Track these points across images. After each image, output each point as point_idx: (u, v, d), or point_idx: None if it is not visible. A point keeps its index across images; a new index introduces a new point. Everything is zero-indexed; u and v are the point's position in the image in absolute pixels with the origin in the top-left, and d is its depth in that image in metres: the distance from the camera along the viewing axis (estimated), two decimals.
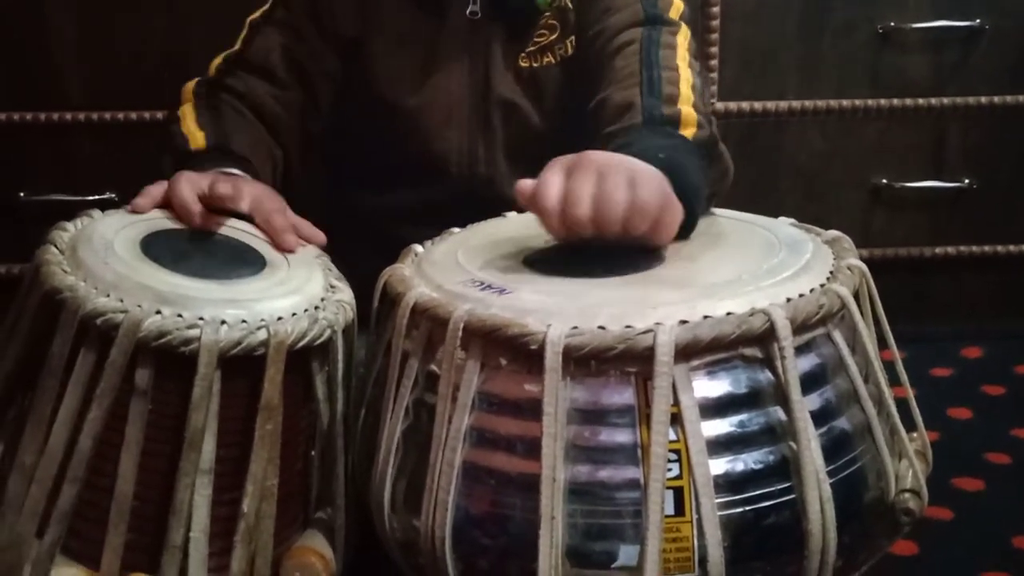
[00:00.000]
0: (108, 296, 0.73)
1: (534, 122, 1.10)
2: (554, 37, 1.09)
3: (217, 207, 0.88)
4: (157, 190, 0.90)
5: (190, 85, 1.08)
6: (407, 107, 1.10)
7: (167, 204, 0.89)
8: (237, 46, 1.11)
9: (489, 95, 1.10)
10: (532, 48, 1.09)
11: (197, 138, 1.00)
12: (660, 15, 1.02)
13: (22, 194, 1.61)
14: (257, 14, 1.13)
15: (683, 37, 1.01)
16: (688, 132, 0.90)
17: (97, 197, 1.59)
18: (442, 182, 1.11)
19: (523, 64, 1.09)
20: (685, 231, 0.82)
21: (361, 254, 0.96)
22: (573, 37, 1.08)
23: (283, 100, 1.09)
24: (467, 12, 1.09)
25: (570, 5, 1.08)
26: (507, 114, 1.10)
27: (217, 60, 1.11)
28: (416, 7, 1.10)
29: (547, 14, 1.08)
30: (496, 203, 1.06)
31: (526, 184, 0.76)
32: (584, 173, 0.74)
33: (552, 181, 0.74)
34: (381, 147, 1.12)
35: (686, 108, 0.92)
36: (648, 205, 0.74)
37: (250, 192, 0.90)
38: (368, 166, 1.14)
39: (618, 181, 0.73)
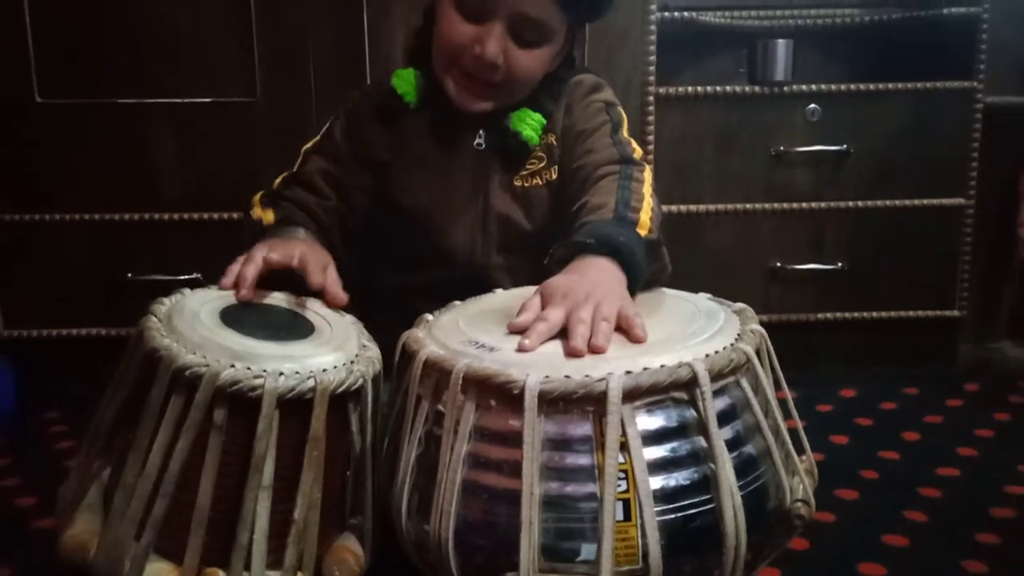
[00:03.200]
0: (194, 354, 0.73)
1: (523, 228, 1.09)
2: (542, 165, 1.09)
3: (277, 265, 0.89)
4: (235, 269, 0.90)
5: (257, 196, 1.08)
6: (424, 213, 1.10)
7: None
8: (294, 168, 1.12)
9: (489, 208, 1.09)
10: (524, 172, 1.09)
11: (267, 217, 1.01)
12: (631, 157, 1.03)
13: (129, 275, 1.61)
14: (309, 144, 1.13)
15: (647, 174, 1.02)
16: (642, 231, 0.91)
17: (187, 277, 1.59)
18: (448, 269, 1.11)
19: (517, 184, 1.09)
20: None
21: (385, 320, 0.96)
22: (556, 166, 1.08)
23: (326, 208, 1.09)
24: (474, 144, 1.09)
25: (555, 144, 1.09)
26: (502, 222, 1.09)
27: (277, 180, 1.11)
28: (433, 139, 1.11)
29: (536, 149, 1.09)
30: (488, 285, 1.06)
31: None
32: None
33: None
34: (403, 242, 1.12)
35: (644, 217, 0.93)
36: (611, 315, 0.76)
37: (300, 251, 0.91)
38: (392, 255, 1.14)
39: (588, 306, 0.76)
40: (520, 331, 0.77)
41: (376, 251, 1.16)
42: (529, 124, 1.07)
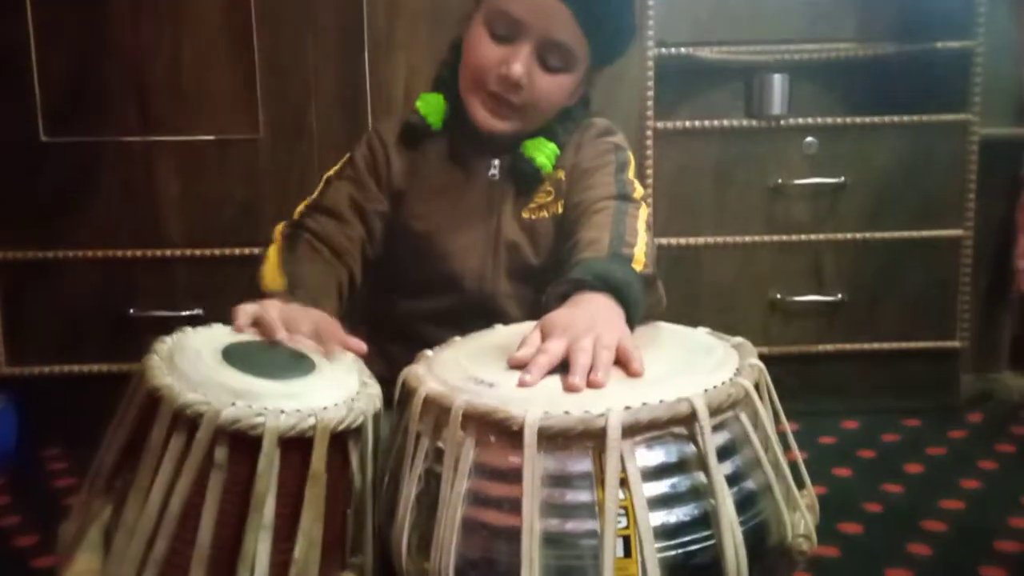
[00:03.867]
0: (195, 392, 0.73)
1: (530, 258, 1.11)
2: (549, 199, 1.11)
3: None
4: (251, 309, 0.90)
5: (280, 227, 1.09)
6: (437, 239, 1.12)
7: (255, 322, 0.89)
8: (315, 195, 1.13)
9: (499, 236, 1.11)
10: (533, 205, 1.11)
11: (278, 283, 1.00)
12: (629, 194, 1.05)
13: (132, 311, 1.62)
14: (332, 171, 1.14)
15: (643, 212, 1.03)
16: (637, 267, 0.92)
17: (189, 313, 1.60)
18: (458, 295, 1.12)
19: (525, 216, 1.11)
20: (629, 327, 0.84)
21: (395, 345, 0.96)
22: (563, 200, 1.11)
23: (348, 234, 1.09)
24: (488, 174, 1.11)
25: (563, 178, 1.11)
26: (511, 251, 1.11)
27: (300, 207, 1.12)
28: (450, 168, 1.13)
29: (546, 181, 1.11)
30: (496, 312, 1.07)
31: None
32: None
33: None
34: (414, 268, 1.13)
35: (639, 252, 0.95)
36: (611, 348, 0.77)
37: (312, 319, 0.91)
38: (403, 282, 1.15)
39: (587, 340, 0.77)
40: (520, 365, 0.77)
41: (387, 277, 1.17)
42: (543, 152, 1.10)
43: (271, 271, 1.01)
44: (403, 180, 1.13)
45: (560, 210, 1.11)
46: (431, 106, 1.13)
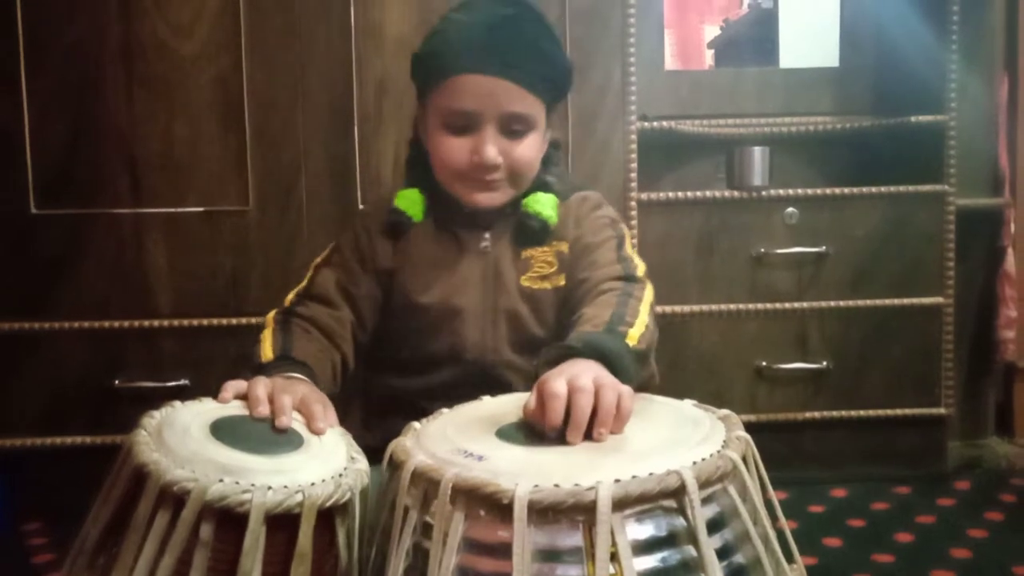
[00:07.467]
0: (183, 468, 0.72)
1: (534, 328, 1.12)
2: (552, 271, 1.12)
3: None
4: (238, 386, 0.90)
5: (271, 314, 1.10)
6: (436, 311, 1.12)
7: (242, 398, 0.90)
8: (304, 283, 1.14)
9: (497, 305, 1.12)
10: (533, 275, 1.12)
11: (267, 353, 1.01)
12: (633, 275, 1.07)
13: (117, 381, 1.60)
14: (319, 259, 1.16)
15: (648, 293, 1.05)
16: (631, 342, 0.93)
17: (175, 384, 1.59)
18: (459, 367, 1.12)
19: (525, 284, 1.12)
20: None
21: (394, 422, 0.95)
22: (565, 274, 1.12)
23: (337, 318, 1.10)
24: (481, 247, 1.13)
25: (566, 251, 1.13)
26: (512, 320, 1.12)
27: (290, 295, 1.13)
28: (441, 244, 1.14)
29: (546, 250, 1.13)
30: (499, 384, 1.07)
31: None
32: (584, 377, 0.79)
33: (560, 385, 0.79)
34: (415, 343, 1.14)
35: (634, 332, 0.96)
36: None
37: (300, 392, 0.91)
38: (402, 358, 1.15)
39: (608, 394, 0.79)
40: (538, 420, 0.79)
41: (383, 358, 1.17)
42: (545, 204, 1.12)
43: (265, 348, 1.02)
44: (390, 260, 1.14)
45: (563, 283, 1.12)
46: (409, 200, 1.15)
